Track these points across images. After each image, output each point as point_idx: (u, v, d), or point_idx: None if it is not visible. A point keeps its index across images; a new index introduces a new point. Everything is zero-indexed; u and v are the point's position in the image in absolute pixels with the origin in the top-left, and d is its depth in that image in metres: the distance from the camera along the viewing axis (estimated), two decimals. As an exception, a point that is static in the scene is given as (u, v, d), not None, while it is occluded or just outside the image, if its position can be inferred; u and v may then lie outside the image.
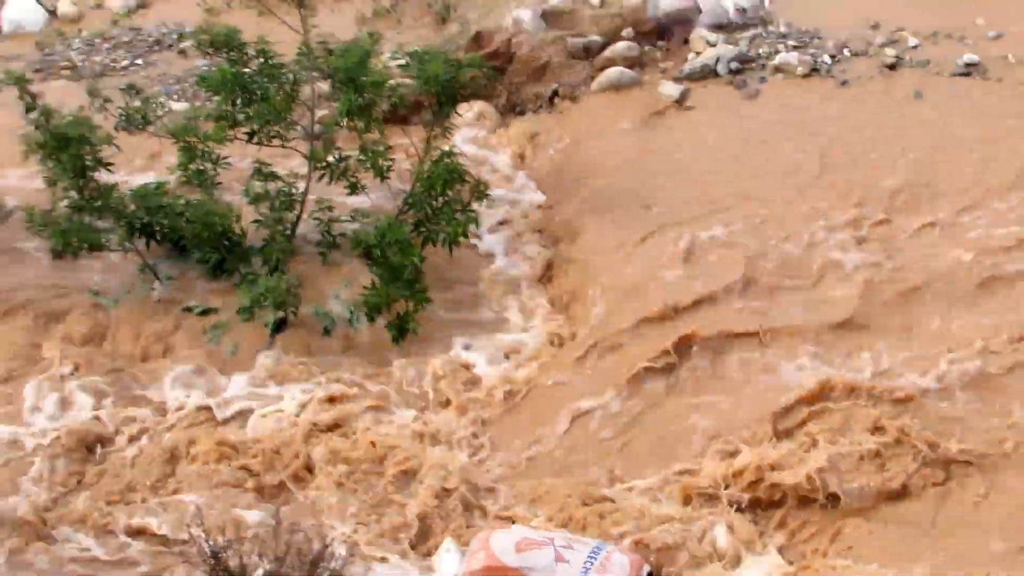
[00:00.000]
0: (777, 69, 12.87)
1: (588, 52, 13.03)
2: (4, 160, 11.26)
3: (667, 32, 13.31)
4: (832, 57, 13.26)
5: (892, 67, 12.99)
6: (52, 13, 14.87)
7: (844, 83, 12.80)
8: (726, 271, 10.35)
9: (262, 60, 10.69)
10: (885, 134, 12.11)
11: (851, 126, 12.20)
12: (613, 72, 12.77)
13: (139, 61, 13.65)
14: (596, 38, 13.18)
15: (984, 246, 10.42)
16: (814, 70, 12.91)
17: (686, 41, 13.27)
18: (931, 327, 9.94)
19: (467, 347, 9.99)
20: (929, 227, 10.69)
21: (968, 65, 12.88)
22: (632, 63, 12.87)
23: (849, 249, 10.67)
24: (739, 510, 8.24)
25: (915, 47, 13.31)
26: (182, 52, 13.55)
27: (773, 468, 8.46)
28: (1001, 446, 8.55)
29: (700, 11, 13.52)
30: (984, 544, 8.00)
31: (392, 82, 11.14)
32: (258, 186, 10.68)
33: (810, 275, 10.42)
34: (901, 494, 8.33)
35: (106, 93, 10.56)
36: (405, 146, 11.33)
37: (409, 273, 10.12)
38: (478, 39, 13.15)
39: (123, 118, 10.59)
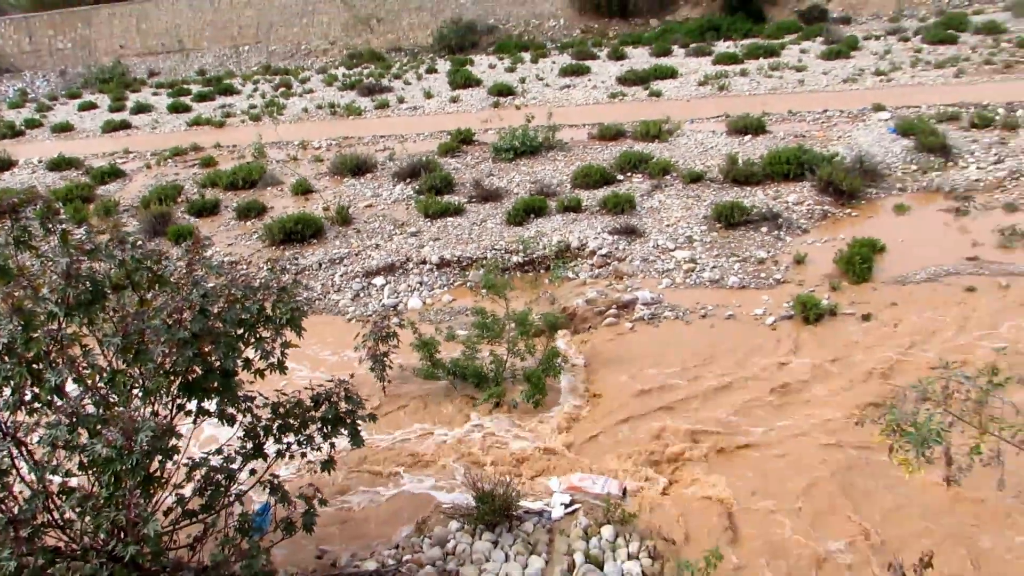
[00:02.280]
0: (664, 317, 14.21)
1: (602, 313, 14.48)
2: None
3: (629, 305, 14.56)
4: (686, 312, 14.18)
5: (704, 316, 14.17)
6: (424, 303, 15.80)
7: (688, 322, 14.02)
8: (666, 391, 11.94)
9: (491, 319, 12.52)
10: (711, 340, 13.34)
11: (698, 337, 13.50)
12: (610, 319, 14.42)
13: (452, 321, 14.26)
14: (604, 308, 14.66)
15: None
16: (678, 317, 14.14)
17: (634, 308, 14.48)
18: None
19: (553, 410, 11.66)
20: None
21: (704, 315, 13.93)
22: (616, 316, 14.41)
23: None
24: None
25: (715, 308, 14.35)
26: (468, 316, 14.12)
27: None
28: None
29: (638, 299, 14.69)
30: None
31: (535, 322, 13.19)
32: (490, 361, 12.33)
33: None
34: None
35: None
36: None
37: (540, 386, 11.80)
38: (564, 309, 14.81)
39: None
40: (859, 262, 15.07)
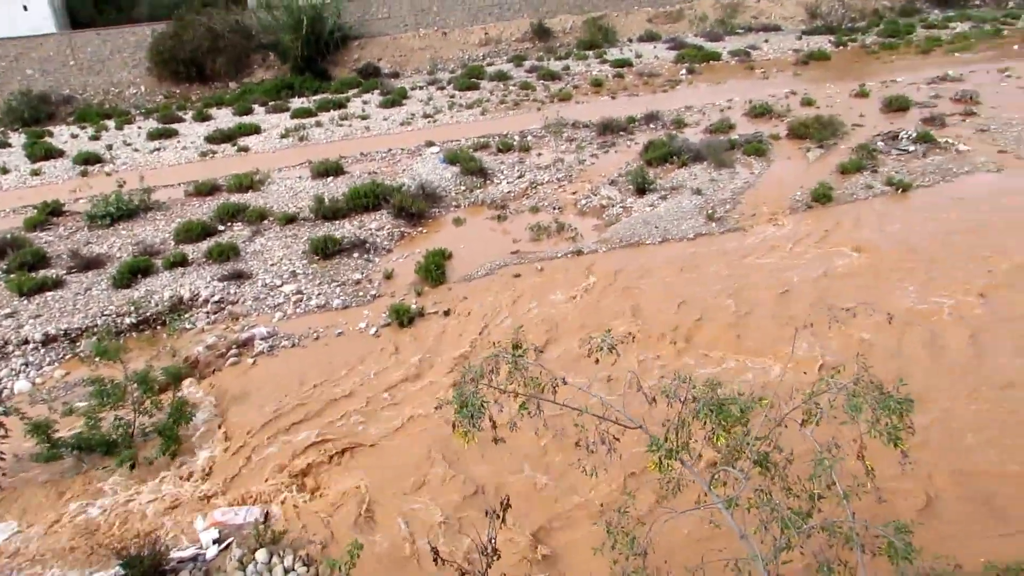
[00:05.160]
0: (282, 346, 13.28)
1: (223, 355, 13.17)
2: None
3: (248, 342, 13.48)
4: (301, 338, 13.57)
5: (317, 338, 13.62)
6: (34, 384, 13.22)
7: (304, 347, 13.28)
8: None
9: (109, 385, 10.88)
10: (326, 358, 12.80)
11: (315, 358, 12.80)
12: (232, 359, 13.06)
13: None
14: (224, 350, 13.39)
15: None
16: (295, 344, 13.31)
17: (253, 344, 13.43)
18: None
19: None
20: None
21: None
22: (237, 355, 13.12)
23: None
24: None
25: (325, 329, 13.86)
26: (85, 387, 12.03)
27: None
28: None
29: (255, 335, 13.73)
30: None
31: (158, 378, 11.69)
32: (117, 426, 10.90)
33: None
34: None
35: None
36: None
37: (174, 437, 10.82)
38: (186, 359, 13.18)
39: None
40: (434, 269, 16.00)
